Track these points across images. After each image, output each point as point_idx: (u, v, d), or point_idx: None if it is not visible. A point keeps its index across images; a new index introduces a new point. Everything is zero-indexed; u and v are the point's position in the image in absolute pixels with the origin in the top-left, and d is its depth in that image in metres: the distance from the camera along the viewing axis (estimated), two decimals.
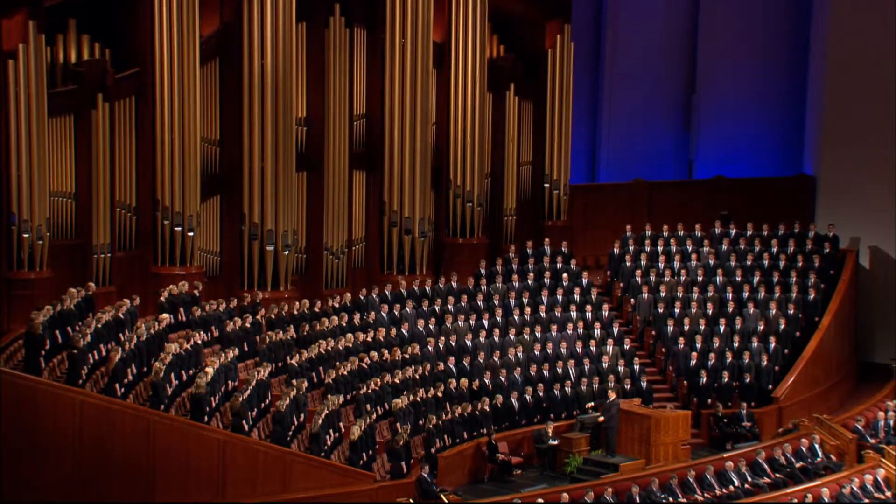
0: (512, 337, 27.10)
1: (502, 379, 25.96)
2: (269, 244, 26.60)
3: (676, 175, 34.46)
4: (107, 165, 25.04)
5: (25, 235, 23.80)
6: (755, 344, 27.73)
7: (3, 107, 23.47)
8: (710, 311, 28.47)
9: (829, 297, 29.20)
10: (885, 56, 31.26)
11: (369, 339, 25.55)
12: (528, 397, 25.87)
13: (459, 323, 26.97)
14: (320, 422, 22.07)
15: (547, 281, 28.92)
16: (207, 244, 26.84)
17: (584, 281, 29.15)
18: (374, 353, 24.99)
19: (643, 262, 29.67)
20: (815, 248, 30.03)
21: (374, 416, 23.41)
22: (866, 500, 22.50)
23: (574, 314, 28.09)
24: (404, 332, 26.32)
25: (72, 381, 20.69)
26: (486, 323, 27.29)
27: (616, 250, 30.05)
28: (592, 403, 25.71)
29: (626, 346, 27.67)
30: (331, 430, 22.43)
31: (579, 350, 27.29)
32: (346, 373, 24.15)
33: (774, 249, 29.99)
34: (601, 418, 25.24)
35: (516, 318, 27.68)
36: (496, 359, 26.46)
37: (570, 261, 29.63)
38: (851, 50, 31.85)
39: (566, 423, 25.86)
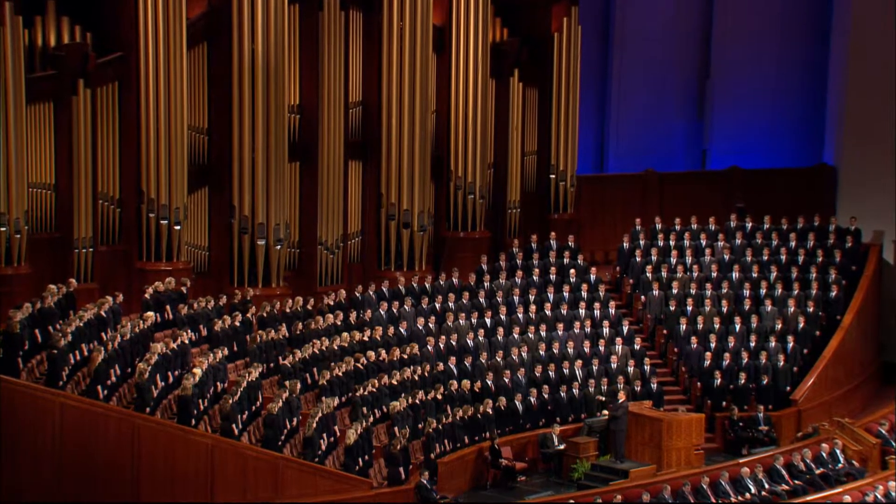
0: (516, 336, 27.06)
1: (506, 380, 25.94)
2: (260, 238, 26.57)
3: (689, 165, 34.43)
4: (88, 155, 25.00)
5: (2, 229, 23.77)
6: (773, 343, 27.70)
7: None
8: (724, 309, 28.44)
9: (850, 294, 29.15)
10: None
11: (366, 338, 25.53)
12: (532, 399, 25.85)
13: (460, 321, 26.94)
14: (314, 425, 22.04)
15: (552, 277, 28.89)
16: (195, 238, 26.80)
17: (592, 277, 29.12)
18: (371, 353, 24.96)
19: (654, 258, 29.63)
20: (836, 243, 29.99)
21: (371, 419, 23.39)
22: None
23: (581, 312, 28.06)
24: (402, 330, 26.28)
25: (52, 383, 20.66)
26: (488, 321, 27.26)
27: (626, 245, 30.01)
28: (602, 397, 25.65)
29: (637, 346, 27.65)
30: (325, 435, 22.40)
31: (587, 350, 27.27)
32: (341, 374, 24.12)
33: (793, 244, 29.94)
34: (605, 411, 25.23)
35: (520, 316, 27.65)
36: (499, 359, 26.43)
37: (577, 256, 29.59)
38: (875, 31, 31.79)
39: (573, 426, 25.86)
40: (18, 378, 20.55)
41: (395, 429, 23.37)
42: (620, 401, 25.27)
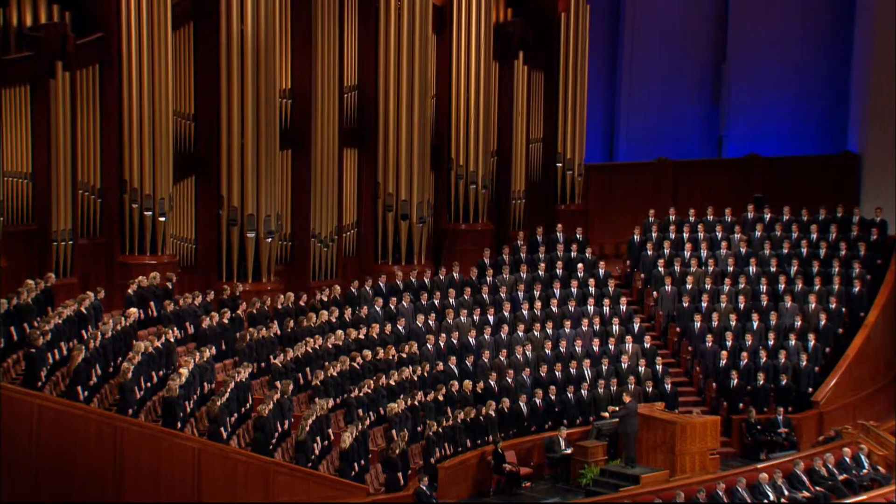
0: (520, 334, 27.08)
1: (509, 380, 25.97)
2: (249, 231, 26.58)
3: (704, 153, 34.45)
4: (67, 142, 24.98)
5: None
6: (792, 342, 27.72)
7: None
8: (741, 306, 28.46)
9: (875, 290, 29.15)
10: None
11: (361, 336, 25.54)
12: (538, 401, 25.87)
13: (462, 318, 26.96)
14: (307, 428, 22.07)
15: (559, 271, 28.91)
16: (181, 230, 26.81)
17: (601, 271, 29.14)
18: (367, 352, 24.98)
19: (667, 251, 29.65)
20: (860, 235, 30.00)
21: (367, 421, 23.40)
22: None
23: (589, 308, 28.08)
24: (400, 328, 26.31)
25: (29, 384, 20.66)
26: (491, 318, 27.28)
27: (636, 237, 30.03)
28: (616, 408, 25.66)
29: (648, 345, 27.67)
30: (319, 438, 22.43)
31: (595, 348, 27.29)
32: (335, 374, 24.14)
33: (814, 236, 29.95)
34: (610, 413, 25.24)
35: (525, 312, 27.67)
36: (503, 358, 26.45)
37: (586, 249, 29.62)
38: None
39: (581, 429, 25.88)
40: None
41: (393, 432, 23.38)
42: (626, 402, 25.27)
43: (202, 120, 26.82)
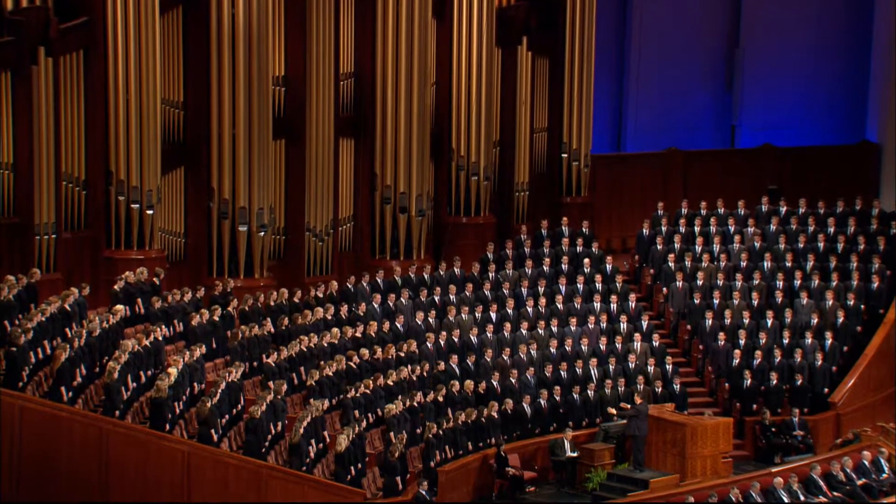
0: (524, 332, 27.10)
1: (513, 381, 25.99)
2: (241, 224, 26.59)
3: (717, 143, 34.44)
4: (51, 131, 24.98)
5: None
6: (809, 340, 27.74)
7: None
8: (755, 302, 28.48)
9: (895, 286, 29.17)
10: None
11: (358, 334, 25.56)
12: (542, 402, 25.90)
13: (463, 316, 26.98)
14: (301, 431, 22.09)
15: (565, 267, 28.93)
16: (170, 224, 26.83)
17: (608, 267, 29.16)
18: (364, 351, 25.00)
19: (677, 245, 29.66)
20: (879, 228, 30.01)
21: (364, 423, 23.42)
22: None
23: (596, 305, 28.10)
24: (399, 326, 26.33)
25: (10, 384, 20.68)
26: (493, 316, 27.30)
27: (645, 231, 30.05)
28: (627, 406, 25.64)
29: (657, 343, 27.69)
30: (314, 441, 22.46)
31: (602, 347, 27.30)
32: (331, 374, 24.17)
33: (832, 230, 29.97)
34: (617, 412, 25.24)
35: (529, 309, 27.69)
36: (506, 357, 26.48)
37: (592, 243, 29.63)
38: None
39: (587, 431, 25.91)
40: None
41: (391, 434, 23.40)
42: (637, 403, 25.29)
43: (191, 108, 26.83)
